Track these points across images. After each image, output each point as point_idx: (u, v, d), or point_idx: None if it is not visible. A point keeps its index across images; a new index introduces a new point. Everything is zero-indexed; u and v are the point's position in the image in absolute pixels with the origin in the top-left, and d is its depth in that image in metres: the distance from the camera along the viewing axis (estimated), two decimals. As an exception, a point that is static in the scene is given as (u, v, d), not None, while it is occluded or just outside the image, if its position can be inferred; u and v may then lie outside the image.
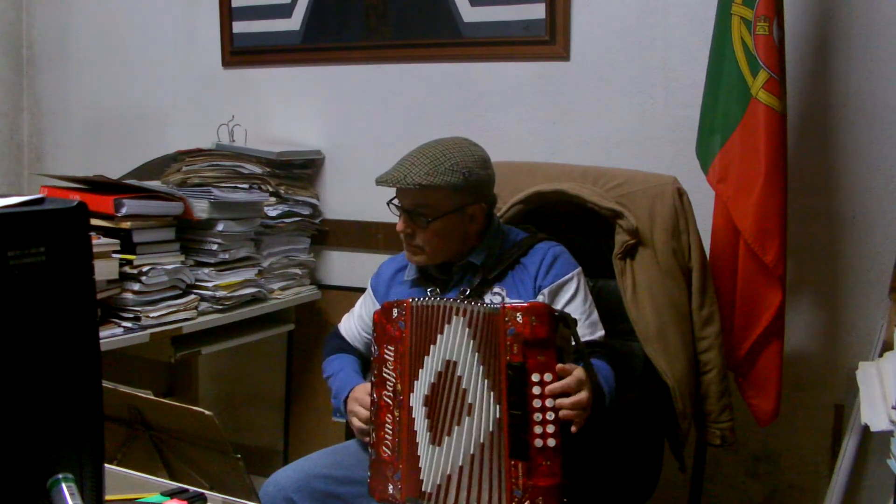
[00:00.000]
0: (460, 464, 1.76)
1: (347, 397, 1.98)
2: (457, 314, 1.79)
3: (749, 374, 2.39)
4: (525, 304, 1.75)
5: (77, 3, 3.61)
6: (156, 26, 3.44)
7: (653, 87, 2.67)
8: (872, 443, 2.05)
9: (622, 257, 2.19)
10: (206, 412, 1.69)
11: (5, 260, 0.87)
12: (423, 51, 2.96)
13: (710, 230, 2.39)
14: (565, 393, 1.72)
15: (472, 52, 2.89)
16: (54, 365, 0.93)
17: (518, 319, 1.72)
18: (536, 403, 1.71)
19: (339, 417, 2.08)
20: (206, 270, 2.66)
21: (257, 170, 2.95)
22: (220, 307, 2.69)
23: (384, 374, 1.84)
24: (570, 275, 2.00)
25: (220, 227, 2.67)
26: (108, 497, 1.11)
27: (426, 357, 1.81)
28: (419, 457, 1.79)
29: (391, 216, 2.05)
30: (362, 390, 1.95)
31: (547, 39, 2.76)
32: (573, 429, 1.72)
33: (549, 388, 1.71)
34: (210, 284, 2.65)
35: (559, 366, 1.73)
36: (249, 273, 2.79)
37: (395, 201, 2.01)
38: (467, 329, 1.78)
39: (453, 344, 1.79)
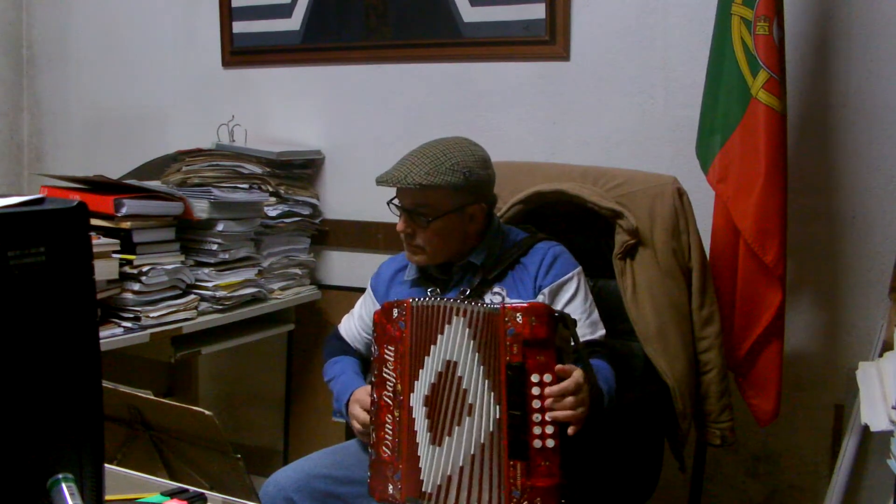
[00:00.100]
0: (461, 464, 1.76)
1: (349, 400, 1.98)
2: (457, 314, 1.79)
3: (749, 374, 2.39)
4: (525, 305, 1.75)
5: (77, 3, 3.61)
6: (156, 26, 3.44)
7: (653, 87, 2.67)
8: (872, 443, 2.05)
9: (622, 257, 2.19)
10: (206, 412, 1.69)
11: (5, 260, 0.87)
12: (423, 51, 2.96)
13: (710, 230, 2.39)
14: (564, 394, 1.72)
15: (472, 52, 2.89)
16: (54, 365, 0.93)
17: (518, 320, 1.72)
18: (535, 404, 1.71)
19: (340, 418, 2.08)
20: (206, 270, 2.66)
21: (257, 170, 2.95)
22: (220, 307, 2.69)
23: (384, 375, 1.84)
24: (570, 274, 2.00)
25: (220, 227, 2.67)
26: (108, 497, 1.11)
27: (426, 357, 1.81)
28: (419, 457, 1.79)
29: (391, 216, 2.04)
30: (363, 393, 1.95)
31: (547, 39, 2.76)
32: (570, 430, 1.71)
33: (547, 389, 1.71)
34: (210, 284, 2.65)
35: (558, 367, 1.72)
36: (249, 273, 2.79)
37: (396, 201, 2.00)
38: (468, 329, 1.78)
39: (454, 344, 1.79)
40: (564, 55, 2.76)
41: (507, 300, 1.95)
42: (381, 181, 1.95)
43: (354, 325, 2.17)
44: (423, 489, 1.78)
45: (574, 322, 1.83)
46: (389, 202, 2.02)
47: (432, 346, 1.81)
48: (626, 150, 2.69)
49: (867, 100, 2.45)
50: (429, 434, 1.79)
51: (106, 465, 1.02)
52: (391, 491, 1.81)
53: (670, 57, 2.64)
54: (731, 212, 2.31)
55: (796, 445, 2.62)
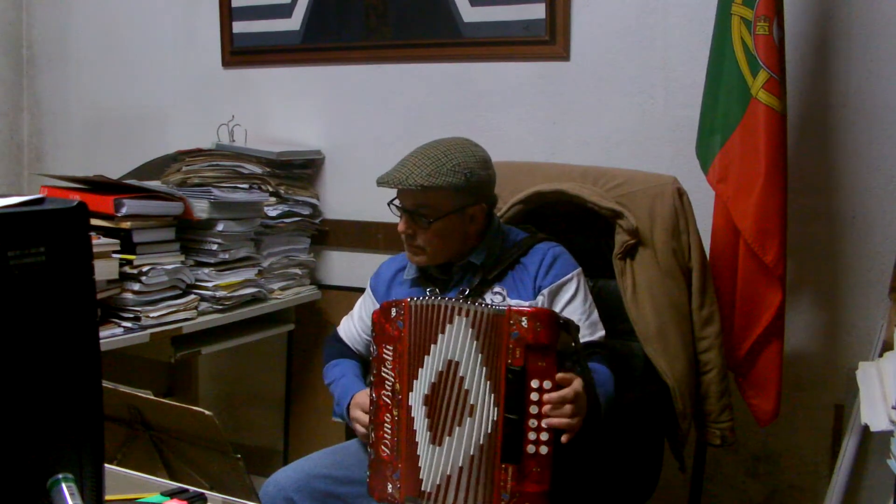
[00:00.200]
0: (460, 465, 1.76)
1: (349, 404, 1.98)
2: (459, 314, 1.78)
3: (749, 374, 2.39)
4: (530, 309, 1.74)
5: (77, 3, 3.61)
6: (156, 26, 3.44)
7: (653, 87, 2.67)
8: (872, 443, 2.05)
9: (622, 257, 2.19)
10: (206, 412, 1.69)
11: (5, 260, 0.87)
12: (423, 51, 2.96)
13: (710, 230, 2.39)
14: (563, 402, 1.71)
15: (472, 52, 2.89)
16: (54, 365, 0.93)
17: (523, 323, 1.70)
18: (533, 409, 1.70)
19: (340, 419, 2.08)
20: (206, 270, 2.66)
21: (257, 170, 2.95)
22: (220, 307, 2.69)
23: (383, 374, 1.84)
24: (570, 275, 2.00)
25: (220, 227, 2.67)
26: (108, 497, 1.11)
27: (426, 356, 1.80)
28: (419, 456, 1.79)
29: (391, 216, 2.04)
30: (364, 396, 1.94)
31: (547, 39, 2.76)
32: (564, 438, 1.71)
33: (546, 396, 1.70)
34: (210, 284, 2.65)
35: (559, 375, 1.71)
36: (249, 273, 2.79)
37: (397, 202, 2.00)
38: (471, 329, 1.77)
39: (456, 344, 1.78)
40: (564, 55, 2.76)
41: (508, 300, 1.95)
42: (382, 182, 1.95)
43: (354, 326, 2.17)
44: (423, 489, 1.78)
45: (577, 329, 1.82)
46: (390, 203, 2.02)
47: (433, 346, 1.80)
48: (626, 150, 2.69)
49: (867, 100, 2.45)
50: (429, 433, 1.79)
51: (106, 465, 1.02)
52: (390, 490, 1.81)
53: (670, 57, 2.64)
54: (731, 212, 2.31)
55: (796, 445, 2.62)
